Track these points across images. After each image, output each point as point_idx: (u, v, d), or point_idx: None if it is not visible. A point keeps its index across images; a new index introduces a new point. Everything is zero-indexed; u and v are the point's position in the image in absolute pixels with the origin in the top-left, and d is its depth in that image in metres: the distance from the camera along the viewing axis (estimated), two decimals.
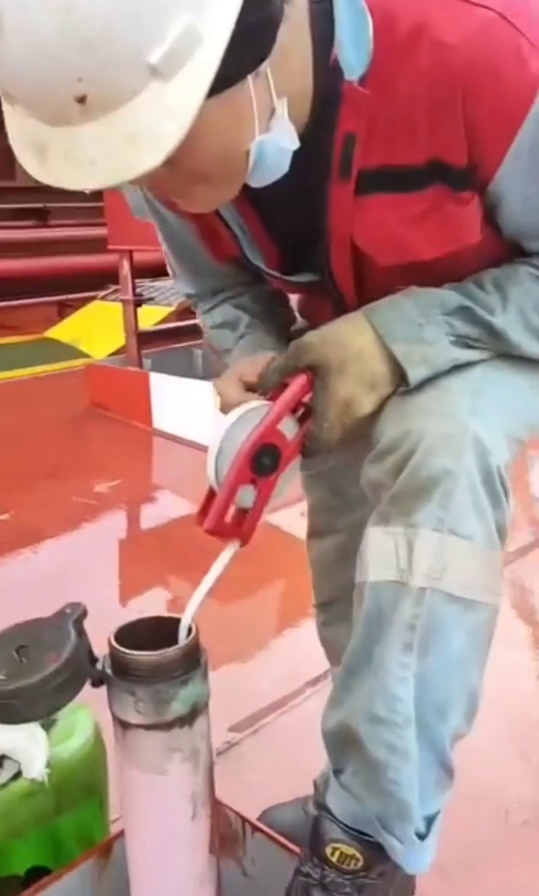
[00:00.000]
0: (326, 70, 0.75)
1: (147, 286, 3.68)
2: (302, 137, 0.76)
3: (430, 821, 0.85)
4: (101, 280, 4.99)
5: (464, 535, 0.76)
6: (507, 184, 0.76)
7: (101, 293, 5.03)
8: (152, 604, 2.06)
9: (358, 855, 0.84)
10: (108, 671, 0.79)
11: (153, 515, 2.77)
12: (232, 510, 0.80)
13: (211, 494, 0.82)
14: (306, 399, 0.82)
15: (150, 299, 3.68)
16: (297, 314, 1.10)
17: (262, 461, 0.80)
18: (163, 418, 3.39)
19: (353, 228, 0.82)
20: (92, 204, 4.40)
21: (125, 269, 3.49)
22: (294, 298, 1.10)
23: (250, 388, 0.86)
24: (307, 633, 1.32)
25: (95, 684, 0.79)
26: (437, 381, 0.80)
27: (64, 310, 5.68)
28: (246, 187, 0.78)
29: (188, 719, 0.79)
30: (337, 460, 1.09)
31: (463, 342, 0.81)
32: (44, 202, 6.37)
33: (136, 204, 1.02)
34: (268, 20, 0.68)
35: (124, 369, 3.66)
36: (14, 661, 0.75)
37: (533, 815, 1.29)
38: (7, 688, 0.73)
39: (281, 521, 2.36)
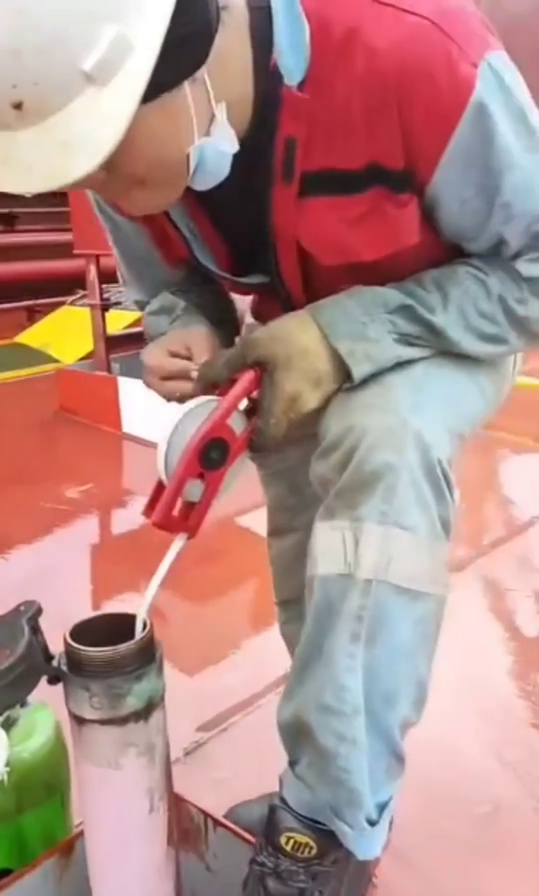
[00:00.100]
0: (266, 75, 0.77)
1: (115, 290, 3.67)
2: (245, 141, 0.78)
3: (381, 808, 0.87)
4: (71, 285, 4.97)
5: (407, 528, 0.78)
6: (444, 187, 0.78)
7: (70, 298, 5.02)
8: (124, 608, 2.06)
9: (311, 843, 0.85)
10: (64, 668, 0.80)
11: (124, 520, 2.76)
12: (179, 503, 0.82)
13: (159, 488, 0.84)
14: (254, 394, 0.84)
15: (118, 303, 3.66)
16: (250, 315, 1.12)
17: (211, 455, 0.81)
18: (132, 422, 3.39)
19: (298, 230, 0.84)
20: (59, 209, 4.39)
21: (92, 273, 3.49)
22: (248, 300, 1.12)
23: (175, 355, 0.88)
24: (276, 633, 1.34)
25: (51, 681, 0.80)
26: (380, 377, 0.82)
27: (33, 315, 5.66)
28: (195, 191, 0.80)
29: (143, 714, 0.81)
30: (294, 459, 1.11)
31: (405, 340, 0.83)
32: (10, 207, 6.34)
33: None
34: (202, 28, 0.69)
35: (93, 374, 3.65)
36: None
37: (495, 809, 1.31)
38: None
39: (251, 523, 2.38)
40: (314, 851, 0.85)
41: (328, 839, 0.86)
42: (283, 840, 0.86)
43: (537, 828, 1.27)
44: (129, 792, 0.83)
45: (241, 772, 1.39)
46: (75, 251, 3.50)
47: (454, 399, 0.85)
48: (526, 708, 1.57)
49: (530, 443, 3.09)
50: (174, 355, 0.89)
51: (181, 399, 0.88)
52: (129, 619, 0.83)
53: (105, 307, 3.57)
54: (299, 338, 0.82)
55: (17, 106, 0.63)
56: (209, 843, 1.02)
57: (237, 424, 0.83)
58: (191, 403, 0.83)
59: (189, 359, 0.89)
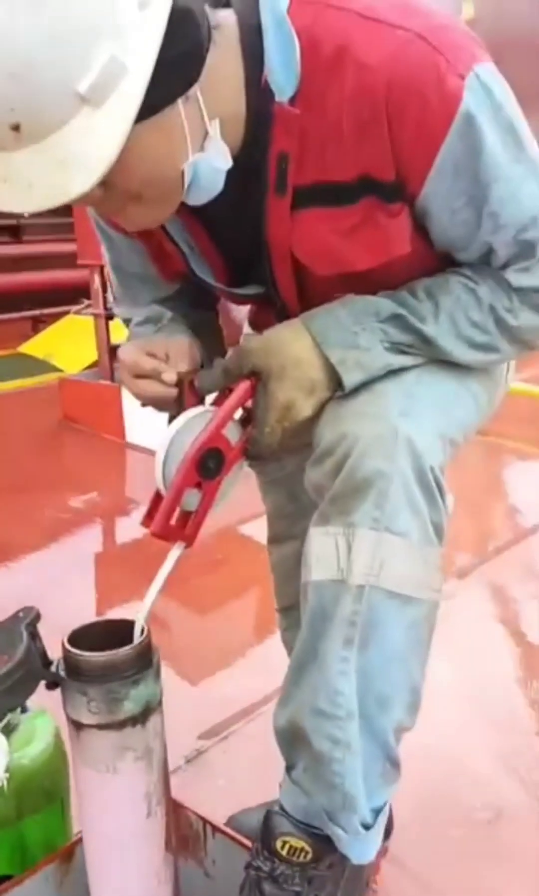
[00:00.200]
0: (258, 91, 0.78)
1: None
2: (238, 156, 0.80)
3: (377, 812, 0.87)
4: (76, 295, 4.99)
5: (399, 533, 0.79)
6: (434, 198, 0.80)
7: (75, 308, 5.05)
8: (128, 617, 2.07)
9: (307, 847, 0.86)
10: (62, 673, 0.81)
11: (127, 528, 2.77)
12: (177, 513, 0.83)
13: (157, 497, 0.85)
14: (249, 404, 0.85)
15: None
16: (247, 326, 1.13)
17: (208, 465, 0.83)
18: (135, 431, 3.40)
19: (292, 241, 0.85)
20: (64, 220, 4.43)
21: (96, 283, 3.52)
22: (245, 311, 1.13)
23: (152, 356, 0.89)
24: (278, 642, 1.34)
25: (50, 687, 0.82)
26: (372, 385, 0.83)
27: (38, 325, 5.69)
28: (192, 206, 0.81)
29: (141, 718, 0.82)
30: (292, 466, 1.12)
31: (397, 348, 0.84)
32: (16, 218, 6.38)
33: None
34: (194, 48, 0.71)
35: (96, 383, 3.67)
36: None
37: (497, 815, 1.31)
38: None
39: (252, 532, 2.39)
40: (310, 856, 0.86)
41: (323, 844, 0.87)
42: (278, 844, 0.86)
43: None
44: (126, 796, 0.84)
45: (242, 780, 1.39)
46: (79, 261, 3.53)
47: (446, 406, 0.86)
48: (531, 716, 1.57)
49: (535, 450, 3.10)
50: (151, 356, 0.90)
51: (153, 401, 0.89)
52: (126, 626, 0.84)
53: (109, 316, 3.59)
54: (292, 347, 0.84)
55: (15, 128, 0.65)
56: (208, 850, 1.03)
57: (232, 434, 0.85)
58: (187, 414, 0.85)
59: (165, 362, 0.90)
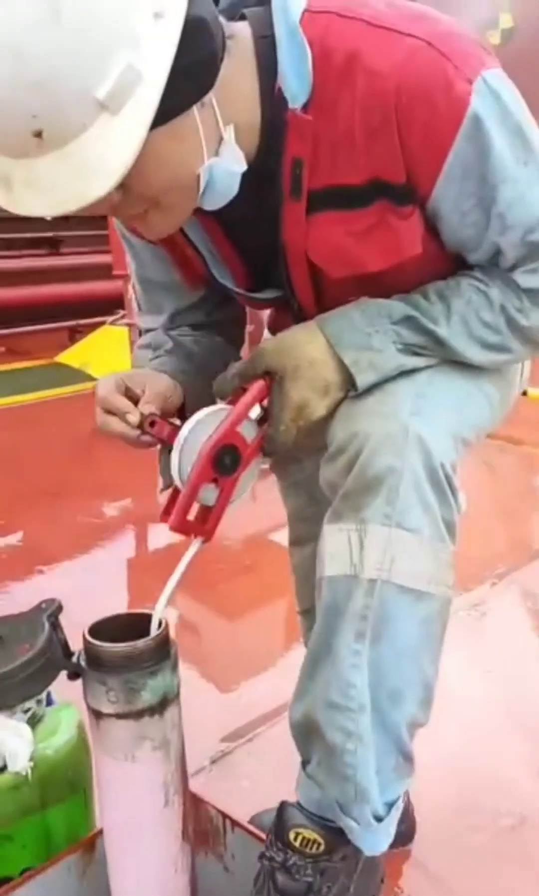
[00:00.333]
0: (272, 99, 0.81)
1: None
2: (254, 163, 0.82)
3: (389, 806, 0.88)
4: (112, 305, 5.08)
5: (410, 529, 0.80)
6: (444, 200, 0.81)
7: (110, 318, 5.13)
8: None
9: (319, 839, 0.87)
10: (83, 663, 0.84)
11: (160, 535, 2.80)
12: (195, 508, 0.85)
13: (175, 494, 0.87)
14: (264, 403, 0.88)
15: None
16: (268, 331, 1.15)
17: (224, 461, 0.85)
18: None
19: (307, 244, 0.88)
20: (100, 232, 4.52)
21: (130, 293, 3.56)
22: (265, 314, 1.16)
23: (128, 391, 0.90)
24: (303, 647, 1.36)
25: (71, 677, 0.84)
26: (384, 385, 0.85)
27: (75, 335, 5.78)
28: (213, 212, 0.84)
29: (158, 709, 0.84)
30: (311, 469, 1.14)
31: (409, 350, 0.86)
32: (55, 231, 6.52)
33: None
34: (208, 57, 0.74)
35: None
36: None
37: (521, 821, 1.30)
38: None
39: (281, 538, 2.40)
40: (322, 847, 0.87)
41: (336, 836, 0.88)
42: (291, 836, 0.88)
43: None
44: (144, 785, 0.86)
45: (265, 782, 1.40)
46: (115, 272, 3.60)
47: (458, 405, 0.87)
48: None
49: None
50: (128, 390, 0.91)
51: (117, 437, 0.91)
52: (145, 619, 0.86)
53: None
54: (306, 348, 0.86)
55: (38, 134, 0.68)
56: (227, 844, 1.04)
57: (248, 432, 0.87)
58: (203, 412, 0.87)
59: (137, 401, 0.91)
